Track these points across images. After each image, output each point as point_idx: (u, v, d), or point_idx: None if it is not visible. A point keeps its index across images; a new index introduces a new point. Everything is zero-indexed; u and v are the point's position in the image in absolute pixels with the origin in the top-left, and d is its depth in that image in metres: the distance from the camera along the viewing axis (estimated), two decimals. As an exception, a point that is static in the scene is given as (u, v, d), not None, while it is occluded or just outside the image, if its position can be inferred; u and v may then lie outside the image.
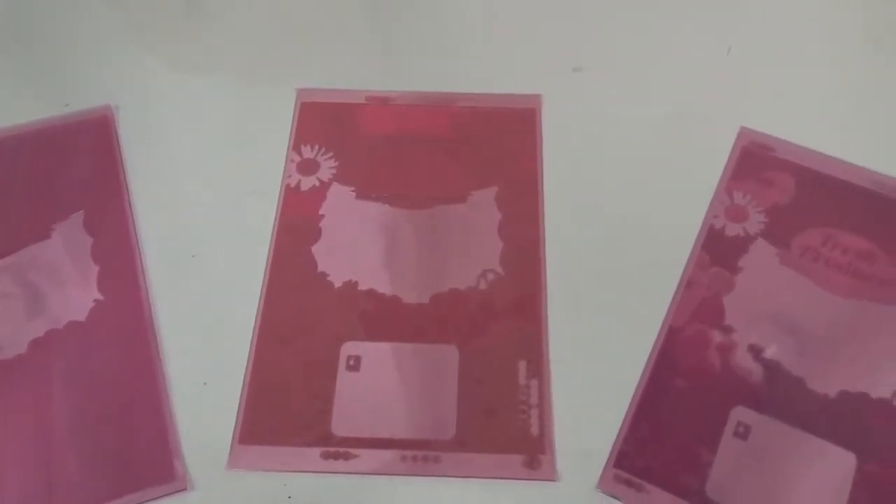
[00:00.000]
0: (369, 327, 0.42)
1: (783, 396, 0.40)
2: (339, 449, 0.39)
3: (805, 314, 0.42)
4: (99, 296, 0.43)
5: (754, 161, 0.47)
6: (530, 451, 0.39)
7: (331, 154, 0.48)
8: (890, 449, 0.38)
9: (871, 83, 0.50)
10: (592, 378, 0.41)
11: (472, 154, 0.48)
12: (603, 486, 0.38)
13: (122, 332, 0.43)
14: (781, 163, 0.47)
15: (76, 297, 0.43)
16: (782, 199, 0.46)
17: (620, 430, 0.40)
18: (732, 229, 0.45)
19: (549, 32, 0.53)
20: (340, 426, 0.40)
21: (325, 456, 0.39)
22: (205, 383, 0.42)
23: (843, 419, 0.39)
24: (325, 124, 0.49)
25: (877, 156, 0.47)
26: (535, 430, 0.40)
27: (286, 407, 0.40)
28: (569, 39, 0.53)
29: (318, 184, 0.47)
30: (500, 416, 0.40)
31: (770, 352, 0.41)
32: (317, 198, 0.46)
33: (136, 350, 0.42)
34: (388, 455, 0.39)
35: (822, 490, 0.38)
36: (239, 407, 0.41)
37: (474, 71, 0.51)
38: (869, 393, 0.40)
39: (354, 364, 0.41)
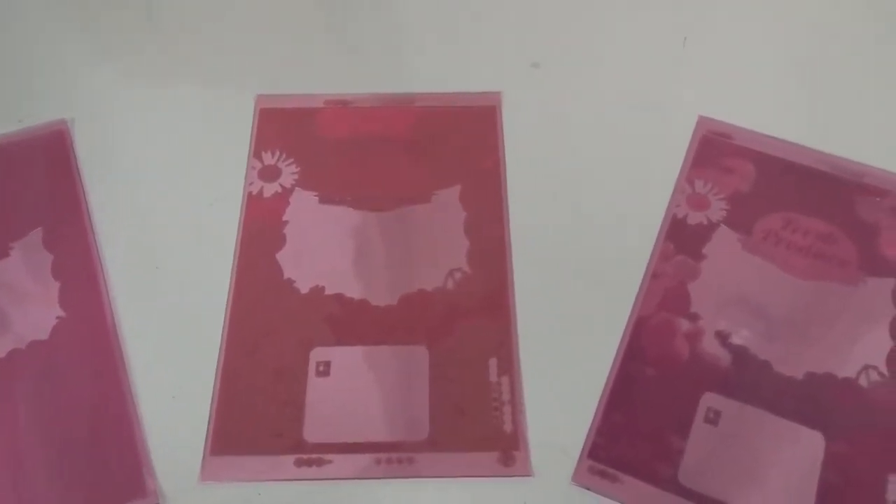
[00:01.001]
0: (338, 332, 0.42)
1: (751, 381, 0.40)
2: (312, 455, 0.39)
3: (769, 298, 0.43)
4: (61, 313, 0.43)
5: (713, 149, 0.47)
6: (504, 447, 0.39)
7: (292, 160, 0.47)
8: (857, 427, 0.39)
9: (825, 68, 0.51)
10: (563, 372, 0.41)
11: (435, 153, 0.47)
12: (577, 478, 0.39)
13: (87, 349, 0.42)
14: (740, 150, 0.47)
15: (38, 315, 0.43)
16: (742, 185, 0.46)
17: (593, 422, 0.40)
18: (695, 218, 0.45)
19: (507, 29, 0.53)
20: (312, 432, 0.40)
21: (299, 463, 0.39)
22: (174, 396, 0.41)
23: (811, 400, 0.40)
24: (285, 130, 0.48)
25: (834, 139, 0.47)
26: (507, 426, 0.40)
27: (257, 416, 0.40)
28: (526, 36, 0.53)
29: (280, 190, 0.46)
30: (472, 414, 0.40)
31: (737, 337, 0.42)
32: (280, 204, 0.46)
33: (102, 366, 0.41)
34: (361, 459, 0.39)
35: (793, 471, 0.38)
36: (209, 418, 0.40)
37: (433, 71, 0.51)
38: (835, 373, 0.40)
39: (324, 369, 0.41)
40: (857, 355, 0.41)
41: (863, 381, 0.40)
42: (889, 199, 0.45)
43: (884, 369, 0.40)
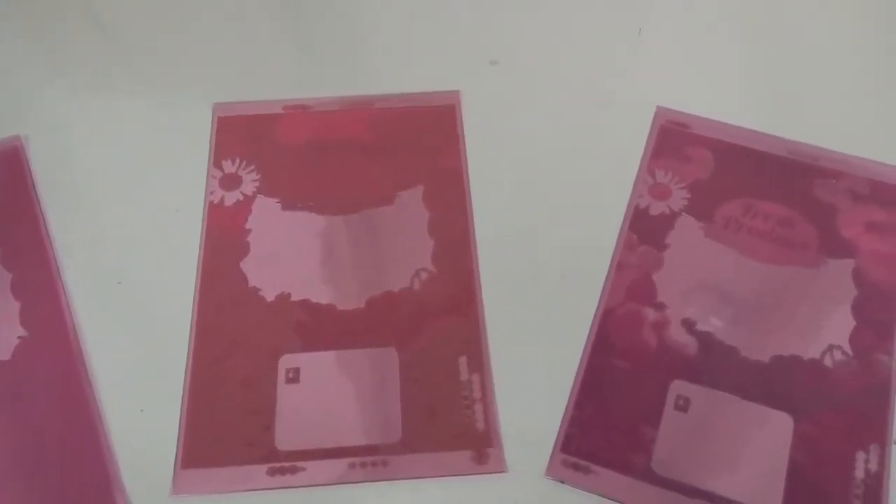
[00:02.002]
0: (306, 338, 0.42)
1: (719, 366, 0.41)
2: (284, 464, 0.39)
3: (733, 284, 0.43)
4: (23, 332, 0.42)
5: (672, 139, 0.48)
6: (477, 445, 0.39)
7: (252, 167, 0.47)
8: (823, 407, 0.39)
9: (778, 54, 0.52)
10: (533, 367, 0.41)
11: (396, 155, 0.47)
12: (551, 472, 0.39)
13: (51, 367, 0.41)
14: (699, 138, 0.48)
15: (-1, 335, 0.42)
16: (702, 173, 0.47)
17: (564, 415, 0.40)
18: (657, 207, 0.46)
19: (464, 28, 0.53)
20: (284, 440, 0.39)
21: (272, 472, 0.39)
22: (142, 410, 0.41)
23: (778, 383, 0.40)
24: (244, 137, 0.48)
25: (789, 124, 0.48)
26: (480, 424, 0.40)
27: (227, 426, 0.40)
28: (483, 33, 0.53)
29: (241, 198, 0.46)
30: (444, 413, 0.40)
31: (703, 324, 0.42)
32: (242, 212, 0.46)
33: (68, 383, 0.41)
34: (335, 465, 0.39)
35: (763, 453, 0.39)
36: (179, 431, 0.40)
37: (392, 72, 0.51)
38: (800, 355, 0.41)
39: (294, 376, 0.41)
40: (821, 336, 0.41)
41: (828, 362, 0.41)
42: (845, 181, 0.46)
43: (847, 349, 0.41)
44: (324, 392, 0.41)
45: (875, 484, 0.37)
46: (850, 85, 0.50)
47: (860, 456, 0.38)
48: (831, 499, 0.37)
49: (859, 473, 0.38)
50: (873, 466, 0.38)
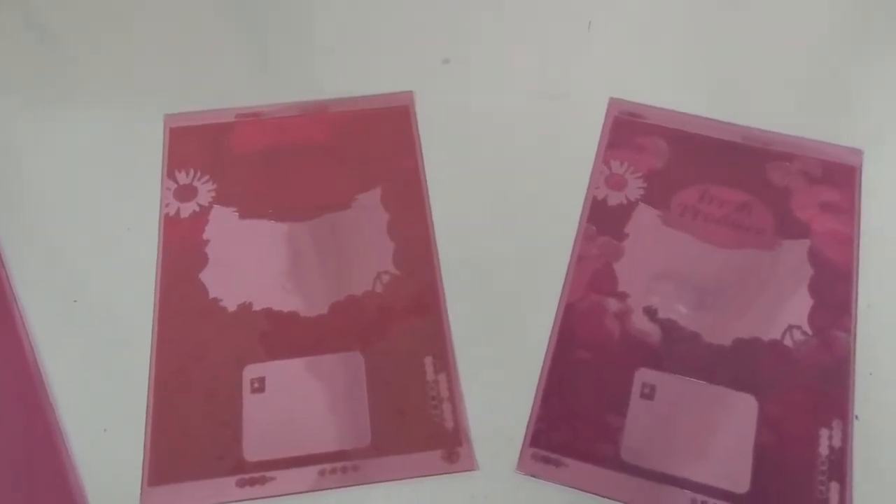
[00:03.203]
0: (270, 346, 0.42)
1: (682, 352, 0.41)
2: (254, 475, 0.38)
3: (693, 270, 0.43)
4: (-21, 357, 0.41)
5: (626, 130, 0.48)
6: (447, 444, 0.39)
7: (207, 177, 0.47)
8: (786, 386, 0.40)
9: (728, 41, 0.52)
10: (499, 363, 0.41)
11: (352, 158, 0.47)
12: (522, 467, 0.39)
13: (10, 391, 0.40)
14: (652, 128, 0.48)
15: (-47, 361, 0.41)
16: (657, 162, 0.47)
17: (532, 409, 0.40)
18: (614, 198, 0.46)
19: (415, 28, 0.53)
20: (253, 451, 0.39)
21: (241, 484, 0.38)
22: (105, 430, 0.40)
23: (741, 365, 0.41)
24: (197, 147, 0.48)
25: (742, 111, 0.49)
26: (449, 423, 0.40)
27: (194, 440, 0.39)
28: (434, 33, 0.53)
29: (198, 209, 0.46)
30: (412, 414, 0.40)
31: (665, 311, 0.42)
32: (198, 223, 0.45)
33: (28, 406, 0.40)
34: (305, 472, 0.38)
35: (730, 435, 0.39)
36: (144, 448, 0.39)
37: (344, 75, 0.51)
38: (761, 337, 0.41)
39: (259, 386, 0.40)
40: (780, 317, 0.42)
41: (788, 342, 0.41)
42: (797, 163, 0.47)
43: (807, 328, 0.42)
44: (290, 400, 0.40)
45: (839, 459, 0.38)
46: (799, 69, 0.51)
47: (824, 432, 0.39)
48: (798, 476, 0.38)
49: (824, 450, 0.38)
50: (837, 442, 0.38)
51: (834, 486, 0.38)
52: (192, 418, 0.40)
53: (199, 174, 0.47)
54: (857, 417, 0.39)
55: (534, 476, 0.39)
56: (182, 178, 0.47)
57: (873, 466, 0.38)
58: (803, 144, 0.47)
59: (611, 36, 0.53)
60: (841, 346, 0.41)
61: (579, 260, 0.44)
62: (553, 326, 0.42)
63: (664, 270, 0.43)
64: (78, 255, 0.44)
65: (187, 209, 0.46)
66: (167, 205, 0.46)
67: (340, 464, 0.39)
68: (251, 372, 0.41)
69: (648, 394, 0.40)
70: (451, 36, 0.53)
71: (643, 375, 0.41)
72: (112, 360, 0.42)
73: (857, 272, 0.43)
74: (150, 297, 0.43)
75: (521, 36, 0.53)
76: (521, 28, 0.53)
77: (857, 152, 0.47)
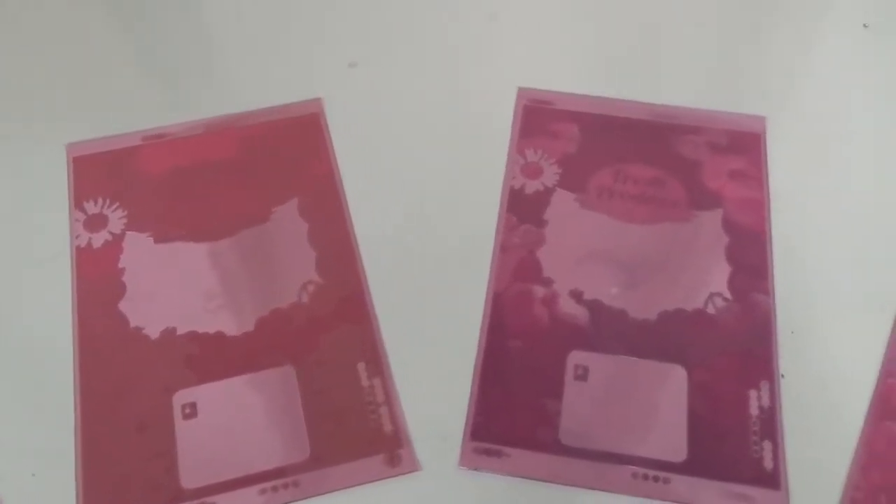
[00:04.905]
0: (199, 370, 0.41)
1: (610, 331, 0.42)
2: (193, 502, 0.38)
3: (614, 249, 0.44)
4: None
5: (537, 117, 0.49)
6: (388, 448, 0.39)
7: (117, 204, 0.45)
8: (713, 353, 0.41)
9: (629, 22, 0.53)
10: (433, 361, 0.41)
11: (265, 171, 0.46)
12: (465, 462, 0.39)
13: (-73, 446, 0.39)
14: (562, 114, 0.49)
15: None
16: (570, 147, 0.48)
17: (470, 403, 0.40)
18: (532, 186, 0.46)
19: (318, 34, 0.53)
20: (190, 478, 0.38)
21: (181, 513, 0.37)
22: (33, 474, 0.38)
23: (668, 337, 0.41)
24: (104, 175, 0.46)
25: (647, 88, 0.50)
26: (388, 426, 0.39)
27: (128, 475, 0.38)
28: (338, 37, 0.52)
29: (110, 238, 0.44)
30: (350, 422, 0.39)
31: (591, 293, 0.43)
32: (112, 252, 0.44)
33: (-52, 461, 0.38)
34: (245, 494, 0.38)
35: (664, 406, 0.40)
36: (76, 489, 0.38)
37: (250, 87, 0.50)
38: (685, 307, 0.42)
39: (191, 411, 0.40)
40: (702, 286, 0.43)
41: (711, 309, 0.42)
42: (704, 135, 0.48)
43: (727, 294, 0.43)
44: (225, 422, 0.39)
45: (769, 418, 0.39)
46: (699, 42, 0.52)
47: (753, 394, 0.40)
48: (731, 438, 0.39)
49: (754, 410, 0.39)
50: (766, 402, 0.40)
51: (767, 444, 0.39)
52: (124, 452, 0.39)
53: (108, 202, 0.45)
54: (782, 376, 0.40)
55: (477, 469, 0.39)
56: (91, 207, 0.45)
57: (802, 421, 0.39)
58: (708, 116, 0.48)
59: (514, 26, 0.53)
60: (761, 308, 0.42)
61: (502, 250, 0.44)
62: (483, 319, 0.42)
63: (587, 253, 0.44)
64: (-12, 296, 0.43)
65: (99, 239, 0.44)
66: (77, 236, 0.44)
67: (281, 480, 0.38)
68: (181, 398, 0.40)
69: (582, 375, 0.41)
70: (356, 39, 0.52)
71: (575, 358, 0.41)
72: (34, 401, 0.40)
73: (770, 235, 0.44)
74: (68, 332, 0.42)
75: (426, 33, 0.53)
76: (425, 25, 0.53)
77: (760, 119, 0.48)
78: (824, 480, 0.38)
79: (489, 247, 0.44)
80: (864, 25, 0.53)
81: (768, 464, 0.38)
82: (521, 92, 0.50)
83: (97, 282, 0.43)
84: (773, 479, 0.38)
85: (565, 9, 0.54)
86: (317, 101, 0.49)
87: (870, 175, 0.47)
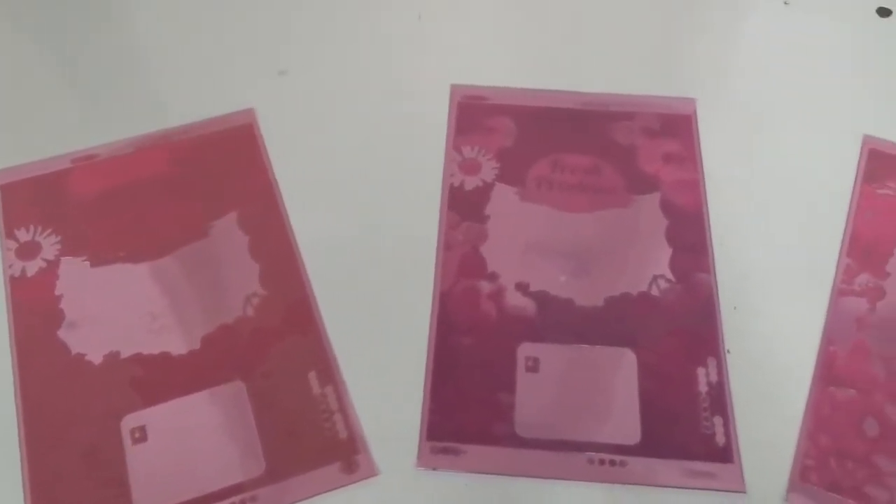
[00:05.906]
0: (146, 393, 0.40)
1: (558, 321, 0.42)
2: (149, 527, 0.37)
3: (557, 239, 0.44)
4: None
5: (472, 113, 0.49)
6: (344, 455, 0.39)
7: (50, 230, 0.44)
8: (659, 334, 0.41)
9: (556, 13, 0.54)
10: (384, 364, 0.41)
11: (200, 186, 0.46)
12: (422, 462, 0.39)
13: None
14: (497, 108, 0.49)
15: None
16: (506, 141, 0.48)
17: (423, 403, 0.40)
18: (471, 182, 0.46)
19: (246, 44, 0.52)
20: (145, 503, 0.37)
21: (137, 539, 0.37)
22: (-20, 514, 0.37)
23: (615, 322, 0.42)
24: (34, 200, 0.45)
25: (579, 78, 0.50)
26: (343, 433, 0.39)
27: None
28: (267, 46, 0.52)
29: (44, 265, 0.43)
30: (304, 432, 0.39)
31: (536, 284, 0.43)
32: (48, 279, 0.43)
33: None
34: (203, 513, 0.37)
35: (615, 391, 0.40)
36: (26, 524, 0.37)
37: (180, 101, 0.49)
38: (629, 291, 0.43)
39: (140, 436, 0.39)
40: (645, 270, 0.44)
41: (655, 291, 0.43)
42: (638, 120, 0.48)
43: (670, 275, 0.43)
44: (176, 443, 0.39)
45: (718, 393, 0.40)
46: (626, 29, 0.53)
47: (700, 371, 0.40)
48: (683, 415, 0.39)
49: (703, 387, 0.40)
50: (714, 377, 0.40)
51: (717, 419, 0.39)
52: (73, 482, 0.38)
53: (40, 229, 0.44)
54: (728, 351, 0.41)
55: (435, 469, 0.39)
56: (23, 235, 0.44)
57: (750, 394, 0.40)
58: (640, 101, 0.49)
59: (443, 24, 0.53)
60: (703, 286, 0.43)
61: (446, 248, 0.44)
62: (431, 318, 0.42)
63: (531, 245, 0.44)
64: (-82, 335, 0.41)
65: (33, 267, 0.43)
66: (10, 266, 0.43)
67: (238, 497, 0.38)
68: (130, 422, 0.39)
69: (533, 367, 0.41)
70: (284, 46, 0.52)
71: (525, 350, 0.41)
72: (-24, 440, 0.39)
73: (708, 214, 0.45)
74: (7, 364, 0.40)
75: (354, 37, 0.52)
76: (353, 29, 0.53)
77: (691, 101, 0.49)
78: (776, 449, 0.39)
79: (433, 246, 0.44)
80: (785, 2, 0.54)
81: (720, 439, 0.39)
82: (455, 89, 0.50)
83: (34, 311, 0.42)
84: (725, 454, 0.38)
85: (492, 2, 0.54)
86: (249, 112, 0.48)
87: (800, 149, 0.48)
